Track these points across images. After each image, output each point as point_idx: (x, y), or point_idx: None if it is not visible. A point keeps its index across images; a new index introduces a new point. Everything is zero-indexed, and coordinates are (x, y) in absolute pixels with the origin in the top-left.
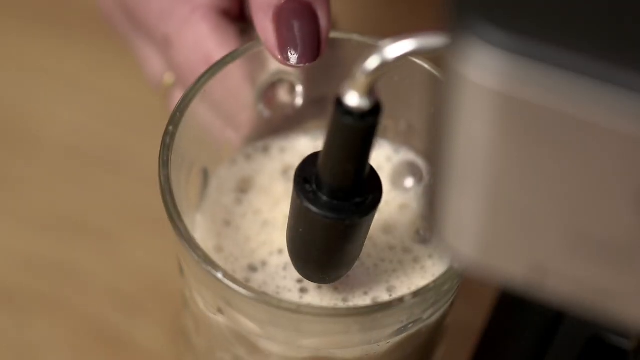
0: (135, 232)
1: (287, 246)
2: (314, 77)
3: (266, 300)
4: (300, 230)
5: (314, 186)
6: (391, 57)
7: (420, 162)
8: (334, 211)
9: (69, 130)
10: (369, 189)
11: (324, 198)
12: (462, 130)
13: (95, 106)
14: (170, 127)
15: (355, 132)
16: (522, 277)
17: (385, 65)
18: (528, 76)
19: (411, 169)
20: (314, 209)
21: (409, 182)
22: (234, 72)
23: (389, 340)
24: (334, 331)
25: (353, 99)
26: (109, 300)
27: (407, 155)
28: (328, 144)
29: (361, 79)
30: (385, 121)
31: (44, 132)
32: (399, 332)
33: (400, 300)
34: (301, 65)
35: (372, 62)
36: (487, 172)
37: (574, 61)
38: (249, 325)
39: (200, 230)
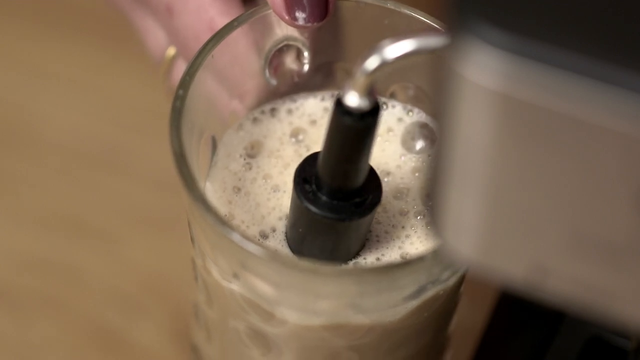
0: (135, 232)
1: (287, 242)
2: (321, 42)
3: (283, 260)
4: (300, 230)
5: (314, 186)
6: (391, 58)
7: (433, 124)
8: (333, 211)
9: (69, 131)
10: (368, 189)
11: (324, 198)
12: (461, 130)
13: (95, 106)
14: (181, 91)
15: (355, 132)
16: (523, 278)
17: (384, 66)
18: (528, 76)
19: (423, 131)
20: (313, 209)
21: (421, 144)
22: (240, 37)
23: (406, 305)
24: (351, 293)
25: (352, 99)
26: (109, 300)
27: (419, 116)
28: (327, 143)
29: (361, 79)
30: (393, 86)
31: (44, 132)
32: (417, 293)
33: (421, 258)
34: (309, 25)
35: (372, 63)
36: (487, 172)
37: (574, 61)
38: (265, 289)
39: (211, 199)
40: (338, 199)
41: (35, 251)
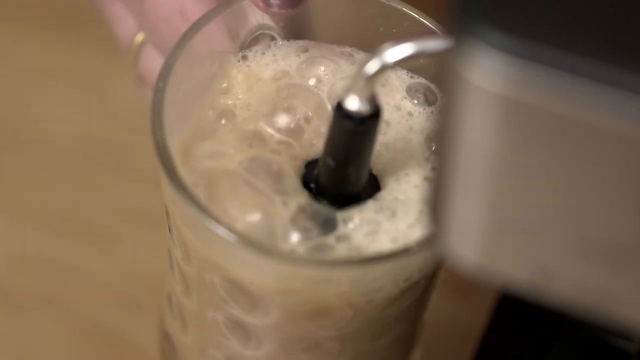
0: (135, 232)
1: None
2: (296, 29)
3: (273, 252)
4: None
5: (314, 191)
6: (391, 61)
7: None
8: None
9: (69, 131)
10: (368, 193)
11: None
12: (466, 133)
13: (95, 106)
14: (161, 83)
15: (355, 136)
16: (528, 281)
17: (385, 69)
18: (532, 79)
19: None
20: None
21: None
22: (216, 27)
23: (390, 294)
24: (338, 283)
25: (353, 103)
26: (109, 300)
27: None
28: (328, 147)
29: (361, 83)
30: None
31: (43, 132)
32: (401, 283)
33: (406, 250)
34: (283, 11)
35: (372, 67)
36: (492, 175)
37: (578, 64)
38: (249, 280)
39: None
40: (338, 203)
41: (35, 251)
